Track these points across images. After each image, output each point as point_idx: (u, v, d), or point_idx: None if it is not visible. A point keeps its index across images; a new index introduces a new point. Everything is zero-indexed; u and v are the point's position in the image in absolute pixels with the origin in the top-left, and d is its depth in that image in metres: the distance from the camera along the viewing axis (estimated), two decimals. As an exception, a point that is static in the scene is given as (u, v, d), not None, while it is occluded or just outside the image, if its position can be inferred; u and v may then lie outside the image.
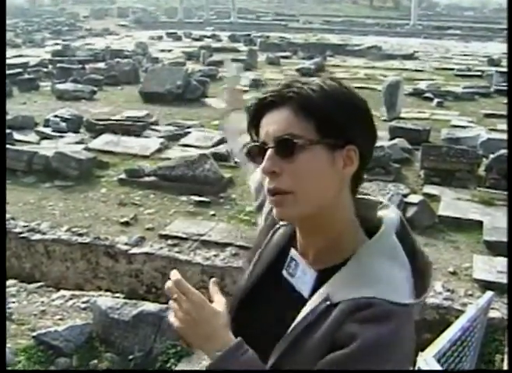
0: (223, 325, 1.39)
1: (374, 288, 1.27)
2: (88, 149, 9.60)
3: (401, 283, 1.31)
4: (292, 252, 1.49)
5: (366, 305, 1.25)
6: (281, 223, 1.57)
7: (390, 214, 1.42)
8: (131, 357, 4.16)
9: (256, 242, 1.66)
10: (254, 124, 1.43)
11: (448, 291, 5.48)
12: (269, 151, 1.34)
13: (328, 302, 1.30)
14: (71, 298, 5.25)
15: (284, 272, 1.49)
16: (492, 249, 6.33)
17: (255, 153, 1.39)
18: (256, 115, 1.41)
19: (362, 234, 1.40)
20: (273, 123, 1.35)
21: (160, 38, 32.31)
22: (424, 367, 2.67)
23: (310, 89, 1.33)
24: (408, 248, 1.37)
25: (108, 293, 5.61)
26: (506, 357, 4.57)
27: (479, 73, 19.86)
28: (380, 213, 1.43)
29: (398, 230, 1.39)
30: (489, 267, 5.86)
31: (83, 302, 5.14)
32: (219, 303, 1.45)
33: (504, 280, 5.58)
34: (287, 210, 1.35)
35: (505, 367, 4.46)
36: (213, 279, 1.56)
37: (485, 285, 5.55)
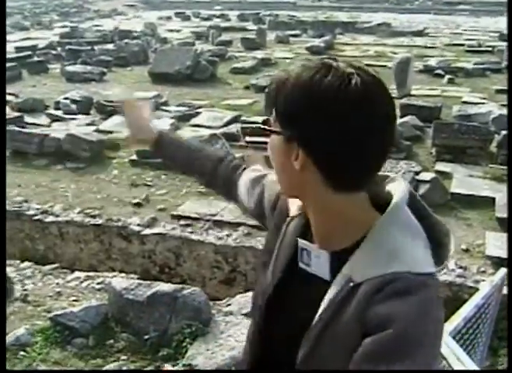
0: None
1: (395, 263, 1.26)
2: (99, 131, 9.62)
3: (419, 253, 1.29)
4: (300, 242, 1.47)
5: (390, 281, 1.24)
6: (290, 215, 1.55)
7: (398, 187, 1.38)
8: (146, 336, 4.19)
9: (267, 243, 1.64)
10: None
11: (461, 268, 5.49)
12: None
13: (352, 283, 1.29)
14: (85, 279, 5.29)
15: (300, 264, 1.47)
16: (505, 225, 6.30)
17: None
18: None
19: (372, 211, 1.36)
20: None
21: (169, 18, 32.19)
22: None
23: (282, 79, 1.32)
24: (420, 217, 1.35)
25: (122, 274, 5.65)
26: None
27: (490, 48, 19.69)
28: (388, 187, 1.40)
29: (408, 201, 1.37)
30: (502, 244, 5.84)
31: (98, 283, 5.18)
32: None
33: (517, 256, 5.58)
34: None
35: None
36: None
37: (498, 262, 5.55)
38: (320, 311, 1.34)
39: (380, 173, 1.40)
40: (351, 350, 1.25)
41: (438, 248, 1.33)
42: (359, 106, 1.22)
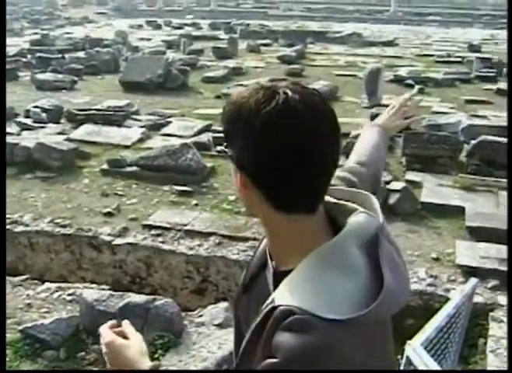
0: (138, 353, 1.56)
1: (306, 298, 1.22)
2: (69, 140, 9.54)
3: (340, 296, 1.21)
4: (267, 251, 1.49)
5: (290, 313, 1.21)
6: None
7: (357, 221, 1.32)
8: (118, 348, 4.16)
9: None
10: None
11: (431, 277, 5.53)
12: None
13: (271, 305, 1.27)
14: (56, 291, 5.22)
15: (266, 272, 1.49)
16: (475, 234, 6.38)
17: None
18: None
19: (323, 236, 1.32)
20: None
21: (140, 26, 32.10)
22: (412, 356, 2.70)
23: (230, 101, 1.31)
24: (375, 257, 1.27)
25: (94, 285, 5.60)
26: (487, 341, 4.64)
27: (459, 59, 19.96)
28: (350, 219, 1.33)
29: (367, 238, 1.29)
30: (472, 253, 5.92)
31: (69, 294, 5.12)
32: (133, 337, 1.61)
33: (487, 265, 5.65)
34: None
35: (488, 350, 4.53)
36: (126, 321, 1.68)
37: (468, 270, 5.61)
38: (251, 326, 1.33)
39: (350, 205, 1.37)
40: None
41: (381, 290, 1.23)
42: (282, 125, 1.21)
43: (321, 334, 1.17)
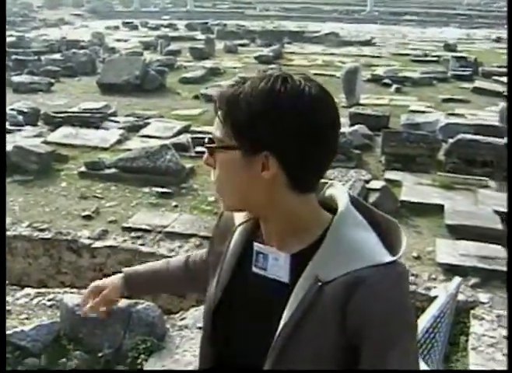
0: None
1: (360, 259, 1.32)
2: (47, 142, 9.44)
3: (376, 246, 1.37)
4: (256, 246, 1.48)
5: (363, 276, 1.30)
6: (238, 222, 1.56)
7: (340, 190, 1.47)
8: (100, 354, 4.12)
9: (211, 250, 1.68)
10: None
11: (412, 275, 5.54)
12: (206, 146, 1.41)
13: (320, 283, 1.32)
14: (36, 296, 5.15)
15: (254, 269, 1.48)
16: (454, 232, 6.42)
17: None
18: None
19: (324, 212, 1.43)
20: (215, 120, 1.40)
21: (117, 28, 31.93)
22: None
23: (234, 92, 1.34)
24: (365, 215, 1.43)
25: (74, 289, 5.54)
26: (468, 339, 4.66)
27: (436, 58, 20.10)
28: (329, 191, 1.49)
29: (351, 202, 1.44)
30: (452, 250, 5.94)
31: (49, 300, 5.05)
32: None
33: (467, 263, 5.67)
34: (221, 202, 1.46)
35: (470, 348, 4.55)
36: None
37: (449, 269, 5.63)
38: (286, 314, 1.35)
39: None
40: (321, 351, 1.32)
41: (388, 240, 1.40)
42: (314, 112, 1.31)
43: (397, 274, 1.34)
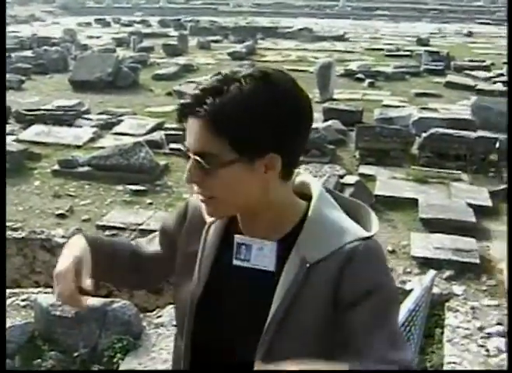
0: None
1: (344, 235, 1.39)
2: (18, 141, 9.34)
3: (354, 223, 1.44)
4: (237, 238, 1.48)
5: (351, 250, 1.36)
6: (209, 221, 1.55)
7: (310, 177, 1.55)
8: (76, 354, 4.09)
9: (185, 256, 1.62)
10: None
11: (387, 269, 5.57)
12: (189, 163, 1.37)
13: (308, 264, 1.36)
14: (9, 297, 5.10)
15: (236, 261, 1.47)
16: (428, 226, 6.47)
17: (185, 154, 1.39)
18: (180, 117, 1.40)
19: (298, 198, 1.48)
20: (192, 133, 1.35)
21: (89, 24, 31.63)
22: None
23: (222, 101, 1.30)
24: (337, 200, 1.50)
25: (48, 289, 5.48)
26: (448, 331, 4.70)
27: (408, 53, 20.20)
28: (298, 179, 1.53)
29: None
30: (426, 244, 5.98)
31: (23, 300, 5.00)
32: None
33: (441, 256, 5.71)
34: (213, 210, 1.43)
35: (445, 340, 4.59)
36: None
37: (423, 262, 5.67)
38: (276, 299, 1.37)
39: None
40: (310, 329, 1.35)
41: (362, 223, 1.46)
42: (301, 103, 1.38)
43: (373, 241, 1.42)
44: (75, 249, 1.58)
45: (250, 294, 1.45)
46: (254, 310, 1.42)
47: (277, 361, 1.24)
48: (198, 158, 1.34)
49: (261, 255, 1.44)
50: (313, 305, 1.36)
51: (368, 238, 1.40)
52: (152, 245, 1.77)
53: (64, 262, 1.53)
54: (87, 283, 1.47)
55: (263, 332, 1.38)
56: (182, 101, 1.37)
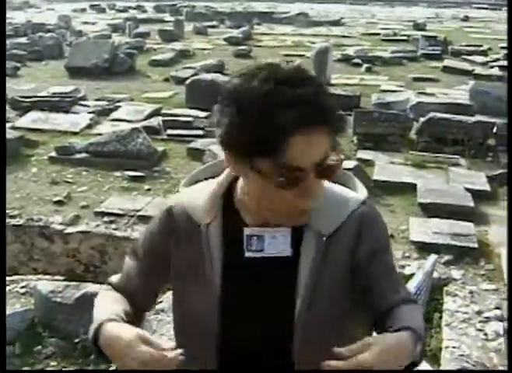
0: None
1: (349, 202, 1.52)
2: (15, 128, 9.31)
3: (349, 190, 1.57)
4: (248, 230, 1.48)
5: (361, 213, 1.51)
6: (203, 222, 1.53)
7: None
8: (76, 340, 4.08)
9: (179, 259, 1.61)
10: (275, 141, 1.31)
11: (387, 254, 5.58)
12: (312, 177, 1.35)
13: (324, 237, 1.45)
14: (9, 284, 5.10)
15: (248, 254, 1.47)
16: (427, 210, 6.46)
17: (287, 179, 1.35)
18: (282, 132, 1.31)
19: None
20: (315, 145, 1.33)
21: (83, 10, 31.48)
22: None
23: (328, 98, 1.40)
24: None
25: (47, 276, 5.49)
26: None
27: (405, 37, 20.14)
28: None
29: None
30: (425, 229, 5.99)
31: (22, 287, 5.00)
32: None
33: (440, 240, 5.72)
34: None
35: (444, 324, 4.60)
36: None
37: (422, 247, 5.68)
38: (302, 279, 1.42)
39: None
40: (337, 289, 1.44)
41: (350, 187, 1.60)
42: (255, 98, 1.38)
43: (371, 201, 1.58)
44: (122, 336, 1.42)
45: (268, 283, 1.46)
46: (276, 297, 1.45)
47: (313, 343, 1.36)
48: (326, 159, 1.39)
49: (274, 242, 1.45)
50: (337, 274, 1.44)
51: (366, 199, 1.55)
52: (129, 283, 1.73)
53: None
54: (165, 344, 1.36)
55: (294, 316, 1.42)
56: (297, 103, 1.34)
